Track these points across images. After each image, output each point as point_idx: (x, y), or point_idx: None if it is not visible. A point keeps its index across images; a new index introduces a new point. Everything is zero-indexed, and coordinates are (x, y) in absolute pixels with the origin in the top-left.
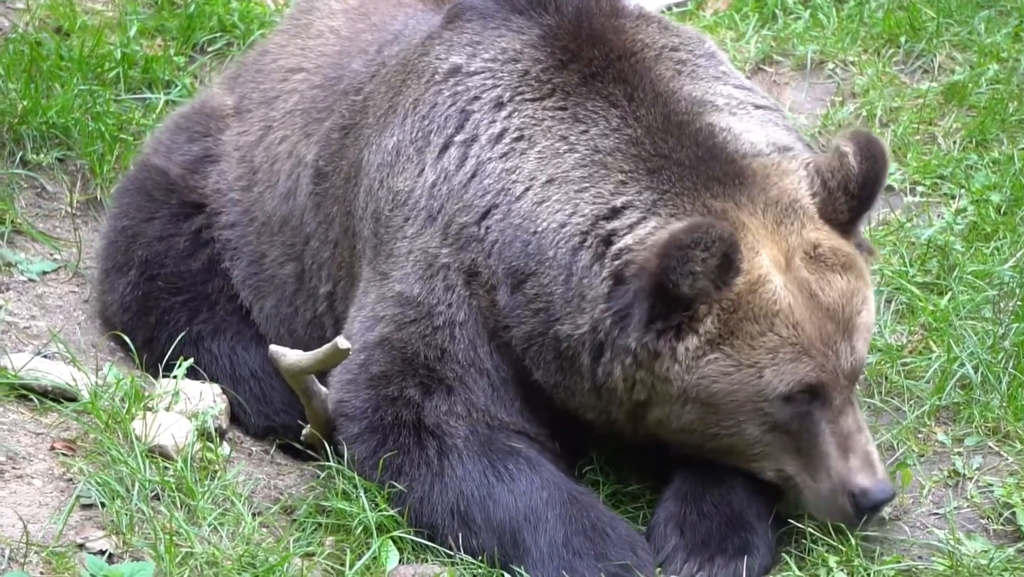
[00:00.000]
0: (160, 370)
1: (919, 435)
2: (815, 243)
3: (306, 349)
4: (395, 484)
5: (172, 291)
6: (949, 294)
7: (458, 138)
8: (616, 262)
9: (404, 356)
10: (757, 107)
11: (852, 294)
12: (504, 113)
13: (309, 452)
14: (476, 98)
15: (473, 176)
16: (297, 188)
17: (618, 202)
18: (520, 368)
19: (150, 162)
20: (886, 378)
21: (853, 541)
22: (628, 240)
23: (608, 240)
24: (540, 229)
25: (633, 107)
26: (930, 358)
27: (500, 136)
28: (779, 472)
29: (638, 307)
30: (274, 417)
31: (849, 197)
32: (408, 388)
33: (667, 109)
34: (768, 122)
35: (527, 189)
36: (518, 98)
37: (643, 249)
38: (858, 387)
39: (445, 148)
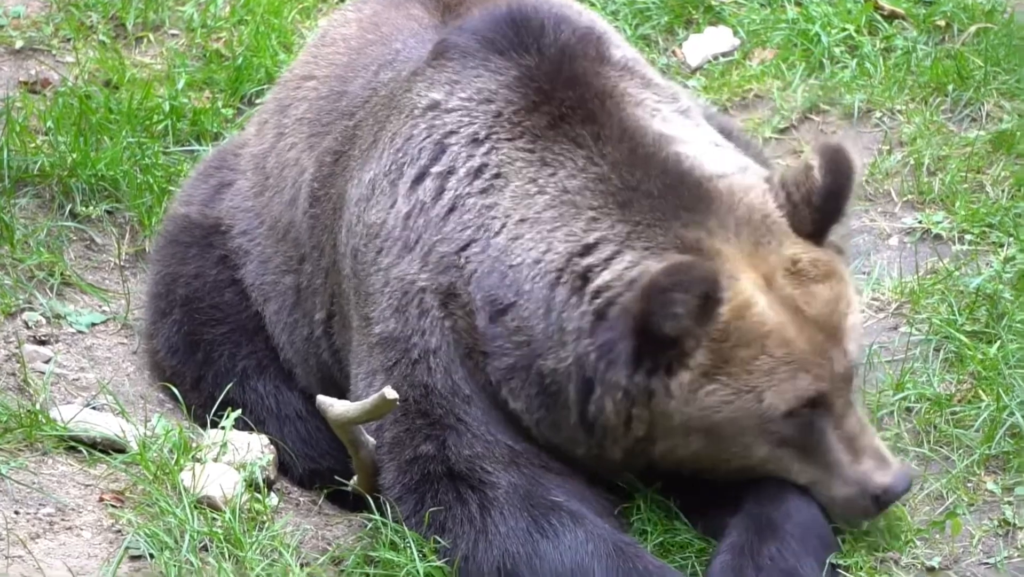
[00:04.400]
0: (209, 413)
1: (968, 484)
2: (794, 259)
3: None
4: (439, 540)
5: (212, 323)
6: (998, 343)
7: (434, 169)
8: (597, 300)
9: (402, 408)
10: (719, 145)
11: (836, 301)
12: (483, 149)
13: (359, 492)
14: (453, 132)
15: (452, 210)
16: (298, 198)
17: (591, 238)
18: (495, 398)
19: (176, 212)
20: (935, 427)
21: None
22: (606, 276)
23: (585, 276)
24: (516, 263)
25: (600, 146)
26: (979, 407)
27: (479, 171)
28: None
29: (623, 346)
30: (320, 460)
31: (813, 210)
32: (420, 445)
33: (633, 143)
34: (730, 149)
35: (503, 226)
36: (494, 136)
37: (622, 286)
38: (857, 390)
39: (419, 179)
